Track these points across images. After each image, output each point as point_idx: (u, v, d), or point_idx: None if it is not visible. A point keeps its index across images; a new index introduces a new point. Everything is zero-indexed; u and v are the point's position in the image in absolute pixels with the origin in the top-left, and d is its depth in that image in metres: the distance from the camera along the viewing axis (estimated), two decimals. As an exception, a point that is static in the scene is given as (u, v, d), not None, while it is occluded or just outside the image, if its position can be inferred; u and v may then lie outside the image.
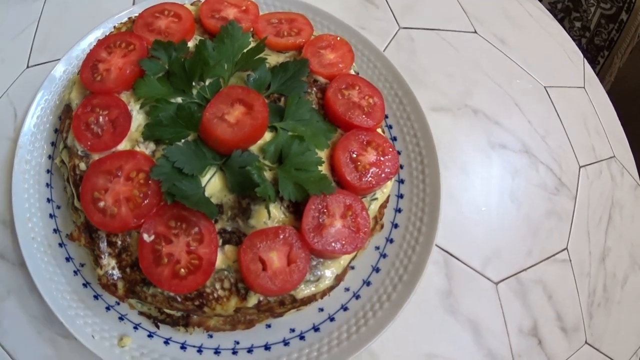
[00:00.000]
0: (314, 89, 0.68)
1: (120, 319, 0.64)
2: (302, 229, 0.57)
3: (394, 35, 0.92)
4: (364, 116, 0.65)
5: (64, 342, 0.66)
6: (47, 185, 0.70)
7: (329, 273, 0.61)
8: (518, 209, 0.84)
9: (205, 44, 0.65)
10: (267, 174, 0.60)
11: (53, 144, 0.73)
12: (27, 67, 0.84)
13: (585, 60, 1.07)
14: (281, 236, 0.57)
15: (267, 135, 0.62)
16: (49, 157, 0.72)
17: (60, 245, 0.67)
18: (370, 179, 0.62)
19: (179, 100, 0.63)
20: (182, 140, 0.61)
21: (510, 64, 0.98)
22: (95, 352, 0.61)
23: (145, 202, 0.57)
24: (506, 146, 0.88)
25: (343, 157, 0.62)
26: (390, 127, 0.78)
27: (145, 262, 0.56)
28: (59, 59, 0.77)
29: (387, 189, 0.67)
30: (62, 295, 0.64)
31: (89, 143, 0.61)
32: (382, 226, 0.70)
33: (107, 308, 0.64)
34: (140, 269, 0.57)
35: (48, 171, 0.71)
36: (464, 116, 0.87)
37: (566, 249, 0.84)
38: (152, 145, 0.61)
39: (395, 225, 0.71)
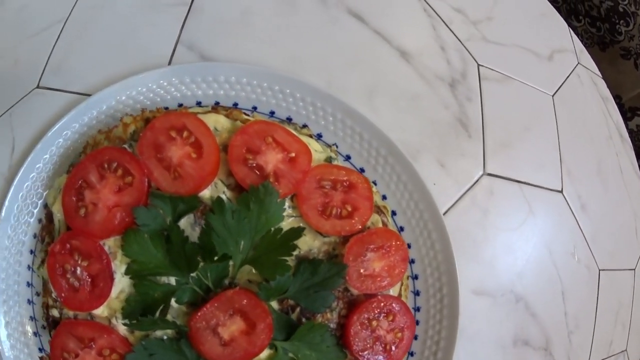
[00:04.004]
0: (341, 302, 0.46)
1: None
2: None
3: (474, 183, 0.63)
4: (382, 357, 0.45)
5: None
6: (29, 267, 0.53)
7: None
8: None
9: (222, 209, 0.42)
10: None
11: (40, 221, 0.53)
12: (38, 86, 0.59)
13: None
14: None
15: (264, 354, 0.43)
16: (34, 235, 0.53)
17: (35, 334, 0.53)
18: None
19: (172, 281, 0.43)
20: (165, 337, 0.43)
21: (579, 239, 0.71)
22: None
23: (114, 388, 0.43)
24: (529, 343, 0.67)
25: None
26: (417, 306, 0.56)
27: None
28: (74, 93, 0.54)
29: None
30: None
31: (63, 295, 0.44)
32: None
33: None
34: None
35: (31, 252, 0.53)
36: (504, 304, 0.64)
37: None
38: (131, 322, 0.44)
39: None
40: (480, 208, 0.64)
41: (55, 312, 0.46)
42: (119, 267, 0.43)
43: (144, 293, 0.42)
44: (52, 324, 0.46)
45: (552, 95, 0.74)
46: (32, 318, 0.53)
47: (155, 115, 0.46)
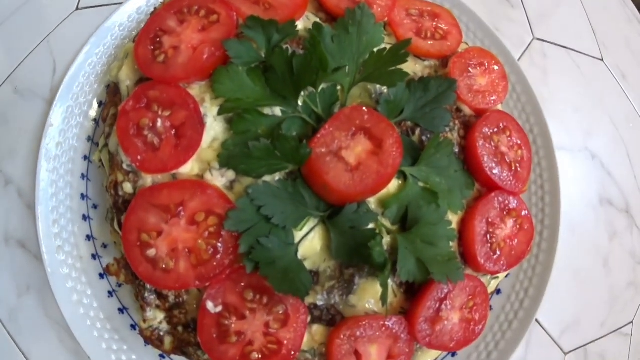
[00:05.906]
0: (457, 122, 0.41)
1: (162, 356, 0.44)
2: (414, 321, 0.36)
3: (528, 46, 0.64)
4: (510, 174, 0.40)
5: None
6: (83, 176, 0.45)
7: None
8: (606, 276, 0.62)
9: (321, 32, 0.37)
10: (384, 239, 0.37)
11: (95, 121, 0.46)
12: (77, 8, 0.54)
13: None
14: (388, 327, 0.36)
15: (392, 185, 0.37)
16: (89, 139, 0.46)
17: (94, 257, 0.44)
18: (503, 262, 0.39)
19: (278, 112, 0.37)
20: (277, 177, 0.36)
21: (627, 105, 0.71)
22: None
23: (215, 260, 0.34)
24: (612, 203, 0.64)
25: (478, 230, 0.38)
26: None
27: (205, 336, 0.34)
28: (120, 3, 0.49)
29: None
30: (92, 322, 0.42)
31: (138, 157, 0.35)
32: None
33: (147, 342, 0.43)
34: (197, 330, 0.35)
35: (85, 158, 0.45)
36: (582, 160, 0.63)
37: (631, 322, 0.64)
38: (230, 174, 0.36)
39: (498, 291, 0.49)
40: (539, 68, 0.64)
41: (128, 187, 0.36)
42: (209, 109, 0.36)
43: (244, 132, 0.35)
44: (123, 206, 0.37)
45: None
46: (89, 237, 0.44)
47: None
